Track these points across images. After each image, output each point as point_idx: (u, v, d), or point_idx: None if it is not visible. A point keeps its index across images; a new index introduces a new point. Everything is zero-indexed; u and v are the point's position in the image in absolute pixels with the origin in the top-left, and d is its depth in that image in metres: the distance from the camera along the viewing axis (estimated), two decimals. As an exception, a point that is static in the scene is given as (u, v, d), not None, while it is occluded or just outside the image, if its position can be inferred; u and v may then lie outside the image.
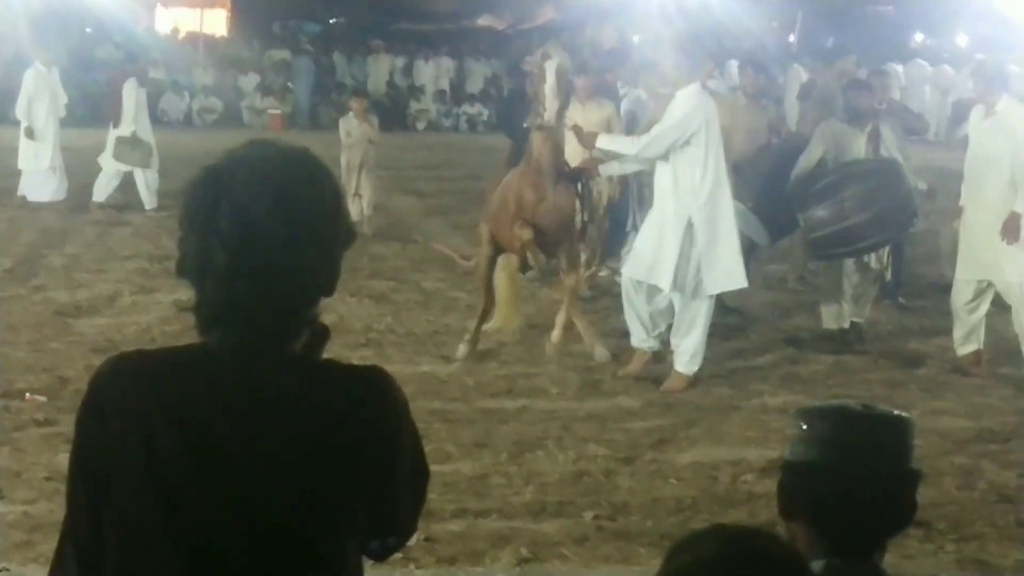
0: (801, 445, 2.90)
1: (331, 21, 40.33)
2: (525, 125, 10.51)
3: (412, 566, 6.47)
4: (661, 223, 9.93)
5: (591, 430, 8.92)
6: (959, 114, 14.42)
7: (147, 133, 18.31)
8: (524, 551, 6.82)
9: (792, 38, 27.89)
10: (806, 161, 11.47)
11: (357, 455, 2.60)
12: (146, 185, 18.14)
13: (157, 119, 30.96)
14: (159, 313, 11.84)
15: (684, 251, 9.75)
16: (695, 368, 10.02)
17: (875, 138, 11.54)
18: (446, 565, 6.61)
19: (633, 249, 10.50)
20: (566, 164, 10.49)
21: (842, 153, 11.41)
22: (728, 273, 9.91)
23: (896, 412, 2.96)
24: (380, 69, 36.09)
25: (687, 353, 9.99)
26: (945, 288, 13.36)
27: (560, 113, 10.15)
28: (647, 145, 9.83)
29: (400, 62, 36.63)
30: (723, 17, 27.25)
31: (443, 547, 6.73)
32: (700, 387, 9.95)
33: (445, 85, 36.38)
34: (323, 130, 26.75)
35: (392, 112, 33.33)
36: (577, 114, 12.15)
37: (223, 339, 2.61)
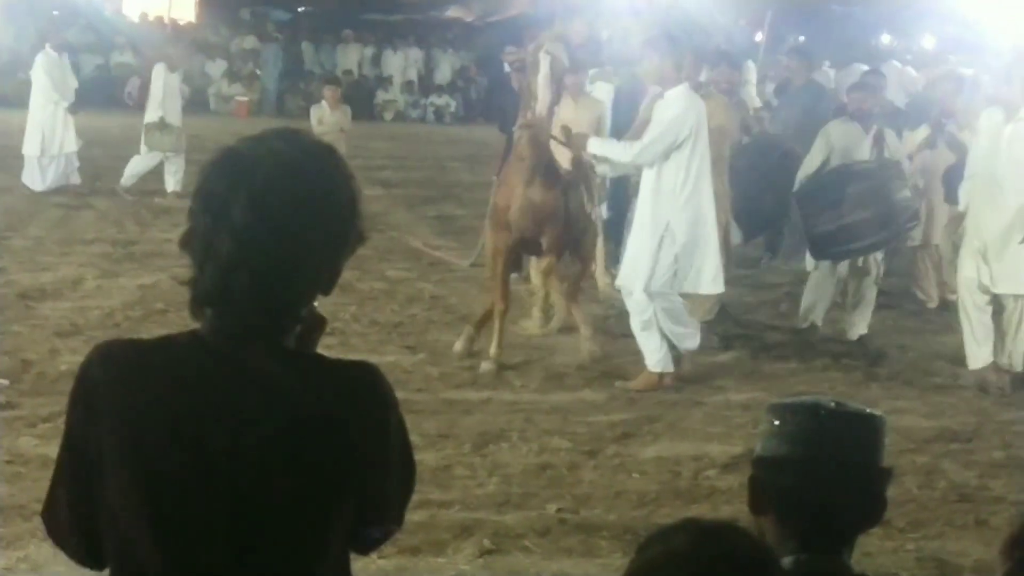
0: (772, 440, 2.91)
1: (300, 9, 40.23)
2: (516, 126, 10.26)
3: (374, 555, 6.45)
4: (640, 225, 9.80)
5: (555, 423, 8.92)
6: (915, 115, 14.27)
7: (176, 118, 18.15)
8: (487, 542, 6.82)
9: (759, 37, 27.88)
10: (811, 162, 11.44)
11: (345, 449, 2.60)
12: (133, 169, 18.09)
13: (123, 103, 30.97)
14: (123, 298, 11.78)
15: (661, 254, 9.58)
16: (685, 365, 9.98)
17: (880, 140, 11.48)
18: (408, 555, 6.60)
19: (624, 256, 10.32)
20: (555, 162, 10.26)
21: (847, 154, 11.33)
22: (708, 277, 9.77)
23: (868, 410, 2.98)
24: (348, 58, 36.05)
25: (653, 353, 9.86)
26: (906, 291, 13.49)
27: (551, 107, 9.93)
28: (641, 152, 9.61)
29: (369, 52, 36.63)
30: (693, 12, 27.27)
31: (406, 537, 6.70)
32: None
33: (413, 76, 36.38)
34: (290, 118, 26.66)
35: (359, 101, 33.28)
36: (569, 111, 11.85)
37: (215, 324, 2.62)
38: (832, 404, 2.92)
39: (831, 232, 10.97)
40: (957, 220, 10.85)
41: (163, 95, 17.94)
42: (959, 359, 10.75)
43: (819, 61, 21.95)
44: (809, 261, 12.00)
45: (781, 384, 10.08)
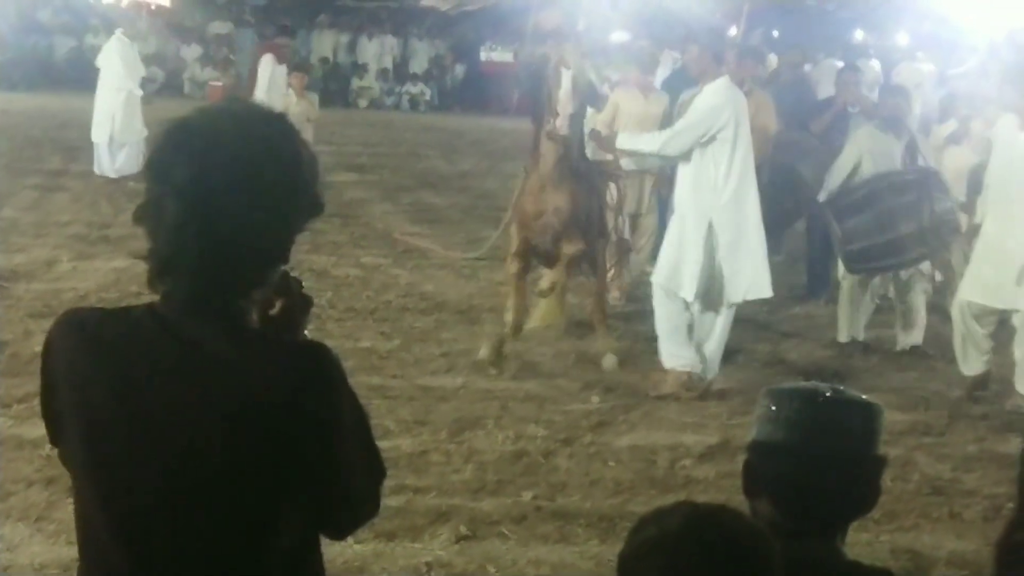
0: (768, 425, 2.91)
1: (276, -6, 40.07)
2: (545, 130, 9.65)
3: (351, 540, 6.45)
4: (682, 226, 9.40)
5: (530, 410, 8.94)
6: (942, 110, 13.92)
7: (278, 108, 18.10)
8: (463, 528, 6.84)
9: (734, 30, 28.02)
10: (840, 170, 11.00)
11: (291, 431, 2.57)
12: None
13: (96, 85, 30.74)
14: (97, 280, 11.76)
15: (707, 256, 9.24)
16: (709, 375, 9.59)
17: (912, 148, 11.02)
18: (384, 541, 6.60)
19: (660, 254, 9.85)
20: (586, 163, 9.99)
21: (878, 162, 10.83)
22: (752, 281, 9.38)
23: (864, 397, 2.99)
24: (324, 44, 35.95)
25: (705, 358, 9.58)
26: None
27: (575, 119, 9.60)
28: (668, 141, 9.30)
29: (344, 38, 36.53)
30: (670, 4, 27.27)
31: (382, 522, 6.69)
32: (638, 372, 9.95)
33: (388, 63, 36.31)
34: (265, 103, 26.55)
35: (334, 88, 33.27)
36: (639, 106, 11.93)
37: (169, 293, 2.63)
38: (829, 390, 2.94)
39: (869, 247, 10.56)
40: (972, 232, 10.24)
41: (268, 86, 17.93)
42: (933, 354, 10.82)
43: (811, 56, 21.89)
44: (840, 271, 11.45)
45: (754, 376, 10.07)
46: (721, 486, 7.54)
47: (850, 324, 11.22)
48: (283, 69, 18.41)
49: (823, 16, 35.89)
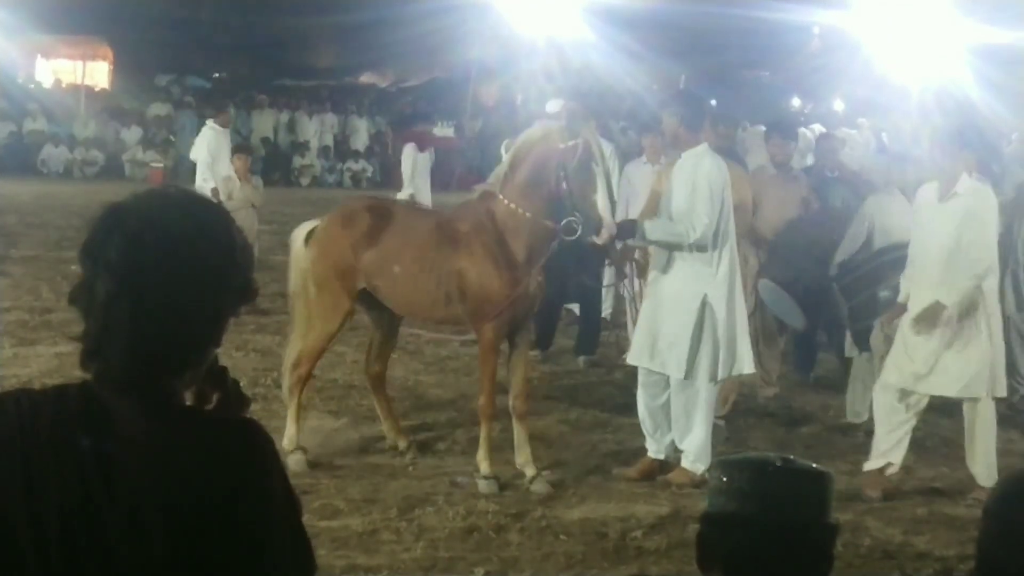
0: (720, 497, 2.91)
1: (215, 75, 40.16)
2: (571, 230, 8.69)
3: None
4: (665, 300, 9.08)
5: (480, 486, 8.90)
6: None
7: (425, 196, 18.22)
8: (415, 607, 6.81)
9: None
10: (852, 243, 10.64)
11: (222, 504, 2.57)
12: None
13: (37, 171, 30.75)
14: (40, 366, 11.64)
15: (698, 331, 8.88)
16: (701, 467, 8.99)
17: None
18: (337, 622, 6.56)
19: (635, 333, 9.51)
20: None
21: (887, 230, 10.44)
22: (739, 356, 9.07)
23: (815, 466, 2.99)
24: (264, 124, 35.96)
25: (691, 449, 9.17)
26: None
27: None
28: (706, 230, 8.77)
29: (284, 117, 36.55)
30: (606, 76, 27.54)
31: (333, 604, 6.68)
32: (587, 444, 9.96)
33: (329, 141, 36.35)
34: (206, 184, 26.50)
35: (276, 167, 33.31)
36: (649, 181, 11.31)
37: (100, 372, 2.63)
38: (779, 460, 2.94)
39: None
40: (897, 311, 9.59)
41: (412, 173, 18.03)
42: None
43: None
44: (849, 348, 11.07)
45: (704, 444, 10.07)
46: (672, 556, 7.52)
47: (860, 402, 10.79)
48: (426, 156, 18.56)
49: (757, 84, 36.34)
